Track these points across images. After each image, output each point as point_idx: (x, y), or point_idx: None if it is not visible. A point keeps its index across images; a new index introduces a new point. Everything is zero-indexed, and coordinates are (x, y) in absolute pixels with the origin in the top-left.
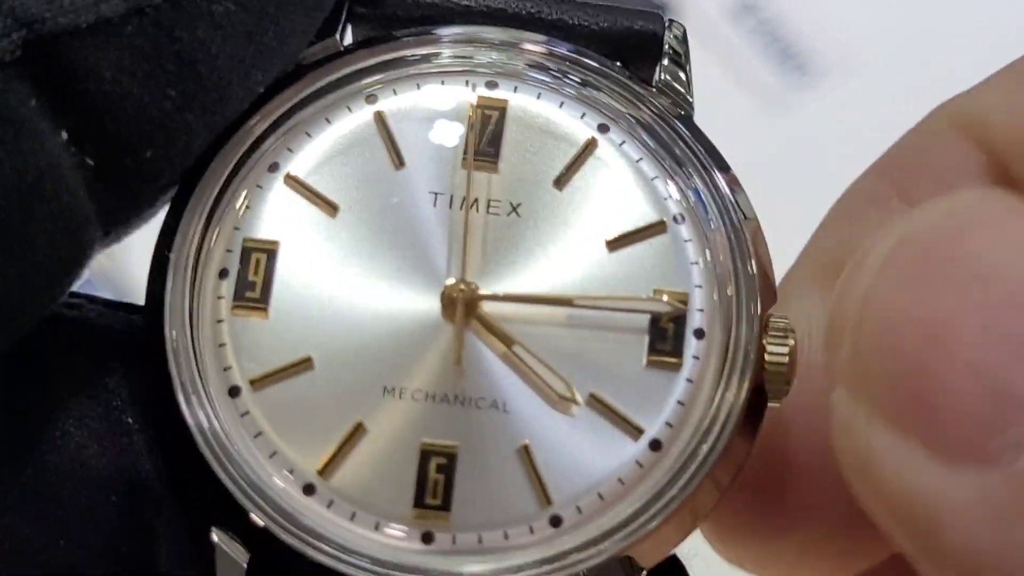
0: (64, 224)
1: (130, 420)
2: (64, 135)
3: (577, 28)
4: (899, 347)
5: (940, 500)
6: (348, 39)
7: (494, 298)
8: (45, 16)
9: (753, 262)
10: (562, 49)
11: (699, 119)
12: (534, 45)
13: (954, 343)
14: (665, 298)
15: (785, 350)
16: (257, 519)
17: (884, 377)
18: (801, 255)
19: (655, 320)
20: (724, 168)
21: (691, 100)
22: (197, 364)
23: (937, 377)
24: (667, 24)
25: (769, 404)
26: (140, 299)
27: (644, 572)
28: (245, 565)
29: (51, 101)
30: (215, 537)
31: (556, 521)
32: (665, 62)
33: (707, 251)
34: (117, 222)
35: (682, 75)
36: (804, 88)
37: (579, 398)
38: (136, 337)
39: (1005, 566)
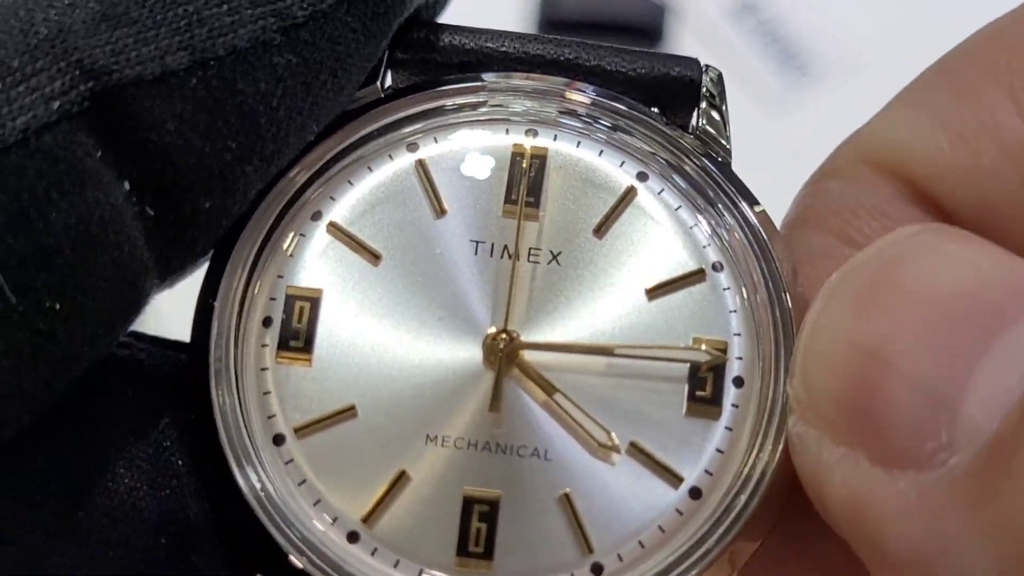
0: (124, 273)
1: (180, 463)
2: (127, 185)
3: (615, 74)
4: (843, 366)
5: (882, 502)
6: (387, 83)
7: (535, 347)
8: (112, 68)
9: (791, 305)
10: (598, 96)
11: None
12: (572, 92)
13: (894, 359)
14: (704, 347)
15: None
16: (296, 561)
17: (829, 395)
18: None
19: (694, 369)
20: (755, 204)
21: (728, 145)
22: (242, 413)
23: (878, 391)
24: (704, 69)
25: None
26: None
27: None
28: None
29: (115, 152)
30: None
31: (598, 569)
32: (703, 106)
33: (746, 298)
34: (172, 270)
35: (717, 117)
36: (804, 88)
37: (620, 446)
38: (184, 378)
39: (936, 556)
